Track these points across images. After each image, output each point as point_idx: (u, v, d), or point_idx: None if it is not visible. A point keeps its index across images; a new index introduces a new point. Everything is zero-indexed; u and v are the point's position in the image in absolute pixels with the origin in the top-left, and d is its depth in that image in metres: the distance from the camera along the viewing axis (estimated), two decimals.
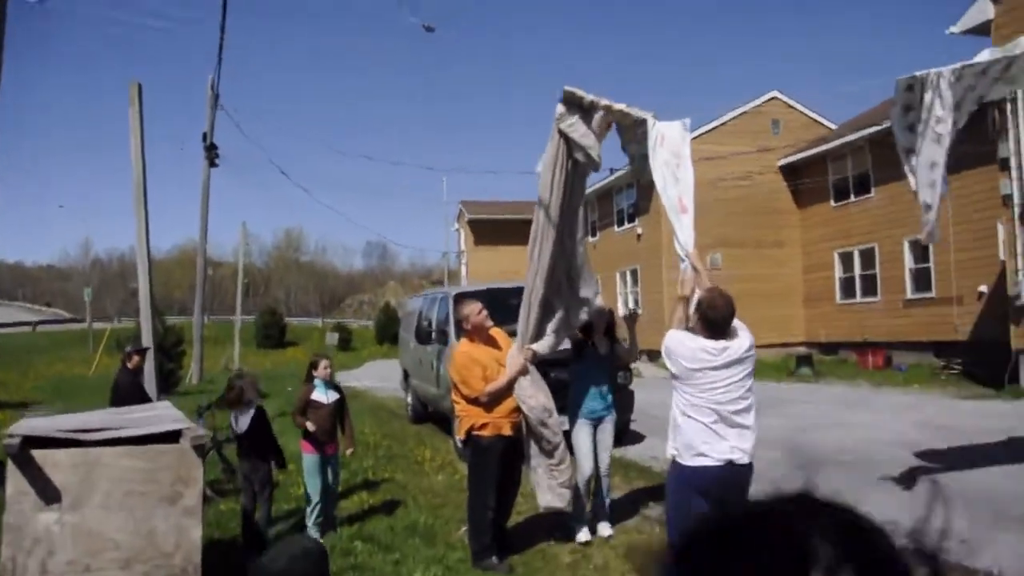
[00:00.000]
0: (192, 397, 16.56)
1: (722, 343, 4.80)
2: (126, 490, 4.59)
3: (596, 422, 6.93)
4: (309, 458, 7.25)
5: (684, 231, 6.17)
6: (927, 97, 7.14)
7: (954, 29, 16.38)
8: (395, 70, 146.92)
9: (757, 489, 8.45)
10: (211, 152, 24.30)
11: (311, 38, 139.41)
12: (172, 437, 4.73)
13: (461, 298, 6.99)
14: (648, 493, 8.33)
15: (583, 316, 6.77)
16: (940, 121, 7.07)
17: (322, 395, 7.31)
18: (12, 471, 4.37)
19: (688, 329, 5.06)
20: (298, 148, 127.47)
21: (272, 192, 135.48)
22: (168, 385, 19.72)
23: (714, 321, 4.83)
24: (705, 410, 4.81)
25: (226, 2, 20.67)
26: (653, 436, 12.06)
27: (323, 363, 7.47)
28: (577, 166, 6.19)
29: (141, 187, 14.93)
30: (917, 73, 7.31)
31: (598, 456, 6.95)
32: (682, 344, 4.94)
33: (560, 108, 6.01)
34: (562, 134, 5.82)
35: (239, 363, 37.26)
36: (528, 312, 6.23)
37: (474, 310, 6.14)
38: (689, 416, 4.84)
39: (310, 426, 7.14)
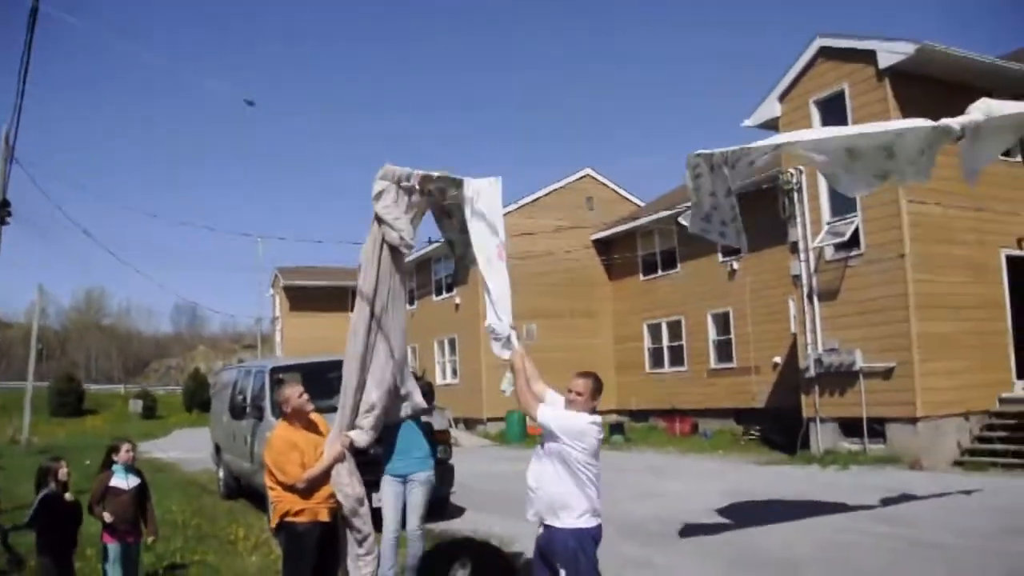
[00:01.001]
0: None
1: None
2: None
3: (402, 480, 7.08)
4: (111, 548, 6.76)
5: (499, 286, 6.43)
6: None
7: (748, 123, 17.92)
8: (211, 131, 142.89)
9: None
10: (2, 209, 22.76)
11: (119, 92, 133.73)
12: None
13: (281, 379, 6.79)
14: None
15: (404, 412, 6.82)
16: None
17: (122, 481, 6.79)
18: None
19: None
20: (103, 209, 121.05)
21: (72, 252, 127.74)
22: None
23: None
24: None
25: (30, 47, 19.58)
26: (474, 510, 12.12)
27: (124, 447, 6.94)
28: (393, 252, 6.26)
29: None
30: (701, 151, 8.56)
31: (407, 518, 7.04)
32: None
33: (377, 187, 6.05)
34: (378, 219, 5.88)
35: (28, 434, 34.49)
36: (345, 400, 6.20)
37: (295, 393, 5.97)
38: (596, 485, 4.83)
39: (107, 517, 6.64)
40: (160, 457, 24.81)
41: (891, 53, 15.08)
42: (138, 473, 7.08)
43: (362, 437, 6.21)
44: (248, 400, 12.39)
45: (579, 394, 4.99)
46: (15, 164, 22.28)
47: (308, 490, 5.72)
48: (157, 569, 9.02)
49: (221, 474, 14.92)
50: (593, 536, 4.67)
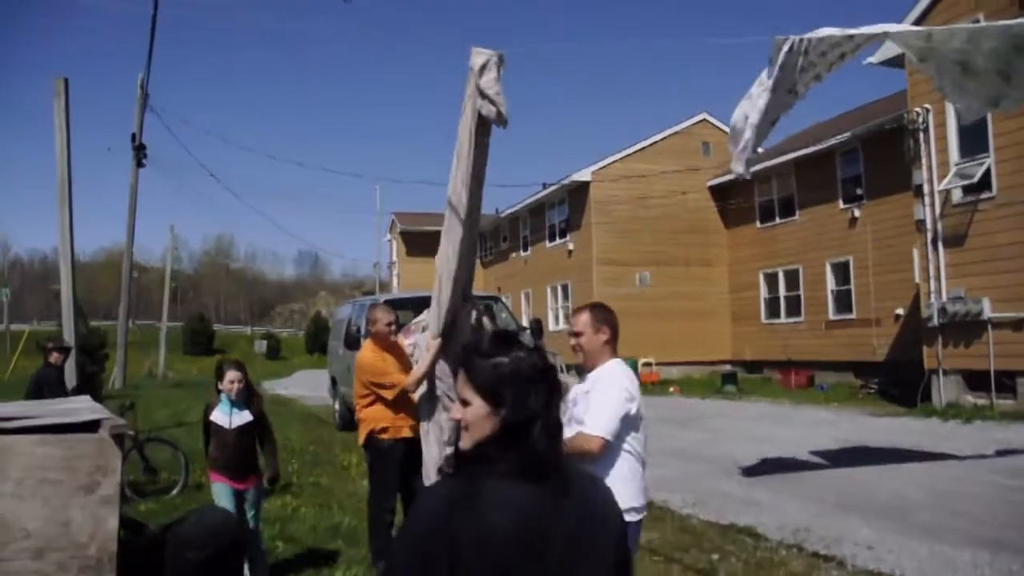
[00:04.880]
0: (114, 401, 16.22)
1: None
2: (40, 478, 4.52)
3: None
4: (217, 487, 5.80)
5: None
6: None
7: (872, 60, 17.02)
8: (331, 77, 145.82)
9: (687, 500, 8.67)
10: (139, 152, 23.91)
11: (245, 40, 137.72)
12: (91, 428, 4.68)
13: (376, 305, 6.57)
14: None
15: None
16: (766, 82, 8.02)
17: (224, 416, 5.70)
18: None
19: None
20: (229, 153, 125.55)
21: (202, 197, 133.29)
22: (91, 388, 19.27)
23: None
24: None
25: (157, 7, 20.53)
26: None
27: (229, 375, 5.71)
28: (481, 140, 5.59)
29: (65, 185, 14.55)
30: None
31: None
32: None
33: (478, 60, 5.62)
34: (481, 93, 5.47)
35: (163, 368, 36.53)
36: (438, 308, 5.96)
37: (384, 317, 6.09)
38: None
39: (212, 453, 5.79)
40: (282, 394, 25.91)
41: None
42: (251, 406, 5.87)
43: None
44: (362, 332, 12.77)
45: (578, 334, 3.97)
46: (149, 111, 23.37)
47: (393, 406, 5.89)
48: (273, 488, 9.48)
49: (337, 406, 15.48)
50: None
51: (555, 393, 1.80)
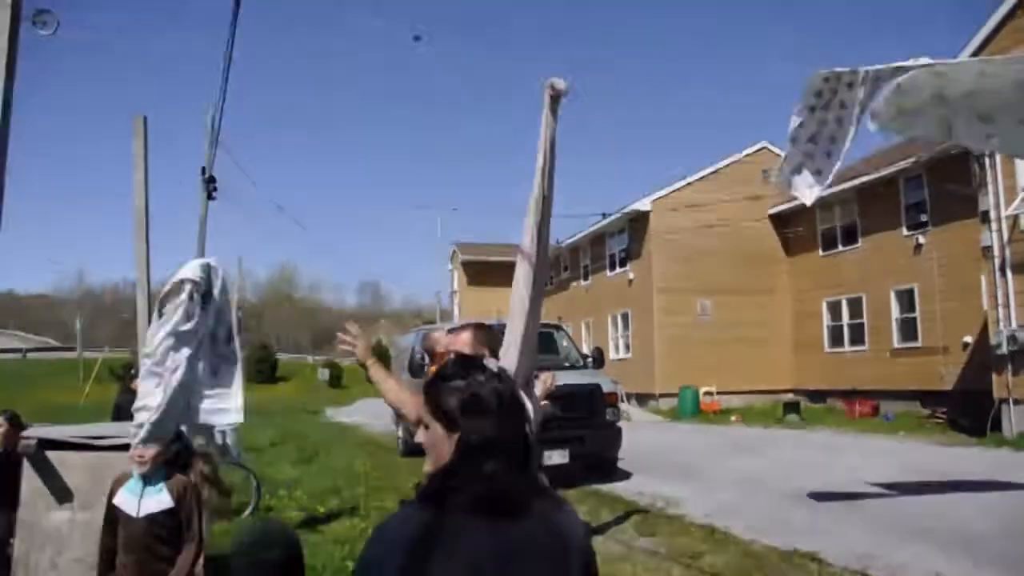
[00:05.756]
0: None
1: None
2: None
3: None
4: None
5: None
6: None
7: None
8: (396, 117, 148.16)
9: (749, 526, 8.68)
10: (209, 185, 24.63)
11: (311, 75, 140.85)
12: None
13: (438, 331, 6.58)
14: (635, 527, 8.54)
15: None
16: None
17: (131, 498, 4.07)
18: (28, 471, 4.61)
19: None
20: (293, 185, 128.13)
21: (265, 227, 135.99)
22: None
23: None
24: None
25: (232, 45, 21.14)
26: (639, 474, 12.28)
27: (135, 453, 4.14)
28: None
29: (143, 219, 15.08)
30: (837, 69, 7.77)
31: None
32: None
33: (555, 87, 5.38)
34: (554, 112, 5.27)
35: None
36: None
37: (444, 338, 6.11)
38: None
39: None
40: (345, 421, 26.33)
41: None
42: (175, 483, 4.17)
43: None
44: (427, 360, 13.03)
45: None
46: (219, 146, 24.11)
47: None
48: (342, 510, 9.74)
49: (400, 433, 15.74)
50: None
51: (516, 419, 1.82)
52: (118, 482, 4.08)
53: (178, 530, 4.04)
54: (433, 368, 6.32)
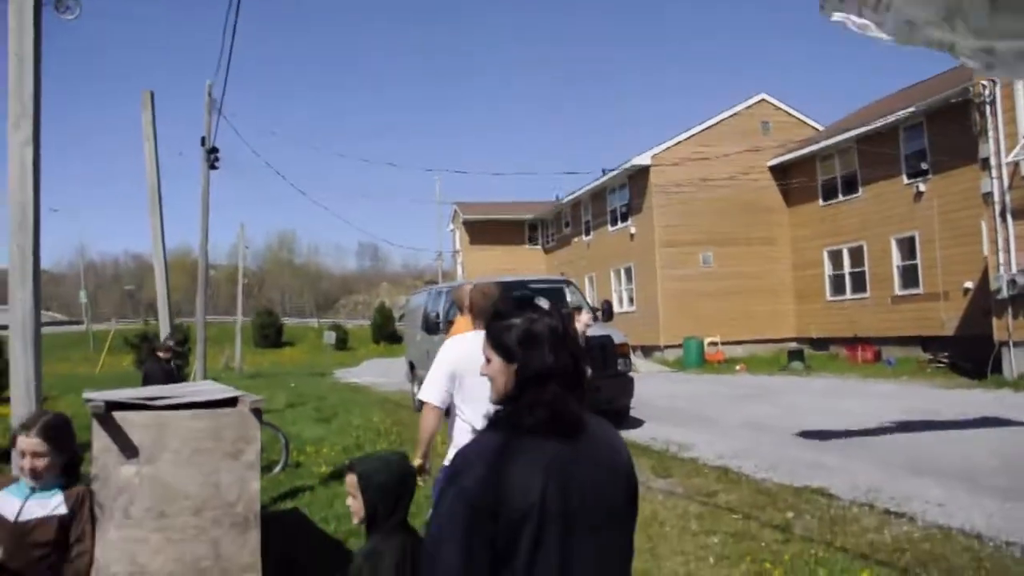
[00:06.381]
0: None
1: None
2: (194, 447, 5.16)
3: None
4: None
5: None
6: None
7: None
8: (392, 74, 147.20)
9: (760, 465, 9.04)
10: (211, 156, 24.76)
11: (308, 39, 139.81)
12: (230, 404, 5.30)
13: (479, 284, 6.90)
14: (651, 470, 8.91)
15: None
16: None
17: (12, 502, 3.40)
18: (97, 430, 4.95)
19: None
20: (287, 148, 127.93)
21: (264, 193, 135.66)
22: (179, 381, 20.24)
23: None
24: None
25: (237, 16, 21.26)
26: (653, 422, 12.67)
27: (21, 442, 3.43)
28: None
29: (156, 192, 15.39)
30: None
31: None
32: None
33: None
34: None
35: (241, 362, 37.71)
36: None
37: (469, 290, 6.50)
38: None
39: None
40: (356, 381, 26.76)
41: None
42: (72, 489, 3.64)
43: None
44: (441, 317, 13.38)
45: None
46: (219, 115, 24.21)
47: None
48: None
49: (415, 389, 16.13)
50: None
51: (566, 350, 2.01)
52: None
53: (62, 542, 3.45)
54: (462, 318, 6.65)
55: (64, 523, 3.47)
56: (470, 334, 4.77)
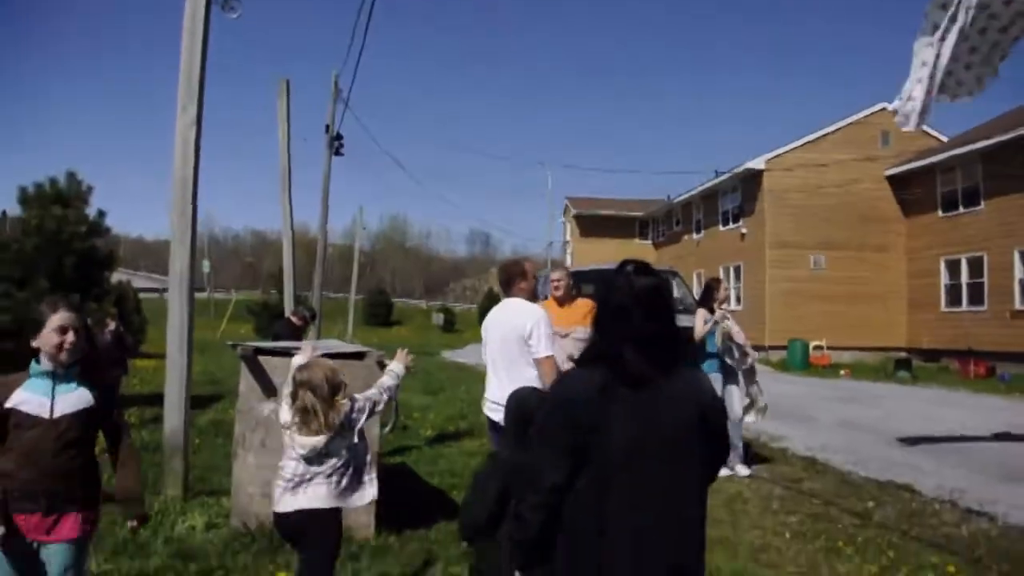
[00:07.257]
0: None
1: None
2: None
3: None
4: None
5: None
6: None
7: None
8: (506, 69, 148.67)
9: (848, 460, 9.24)
10: (335, 142, 25.91)
11: (429, 33, 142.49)
12: (357, 358, 5.96)
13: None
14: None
15: None
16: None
17: (39, 399, 3.22)
18: (244, 372, 5.70)
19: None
20: (403, 135, 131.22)
21: (378, 178, 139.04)
22: None
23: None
24: None
25: (371, 11, 22.21)
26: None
27: (56, 318, 3.23)
28: None
29: (287, 173, 16.53)
30: None
31: None
32: None
33: None
34: None
35: (352, 336, 39.13)
36: None
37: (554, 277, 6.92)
38: None
39: None
40: (461, 361, 27.65)
41: None
42: (97, 379, 3.44)
43: None
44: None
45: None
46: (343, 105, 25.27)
47: None
48: (469, 428, 10.74)
49: None
50: None
51: (656, 315, 2.35)
52: (7, 385, 3.20)
53: (90, 436, 3.35)
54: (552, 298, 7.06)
55: (97, 418, 3.33)
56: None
